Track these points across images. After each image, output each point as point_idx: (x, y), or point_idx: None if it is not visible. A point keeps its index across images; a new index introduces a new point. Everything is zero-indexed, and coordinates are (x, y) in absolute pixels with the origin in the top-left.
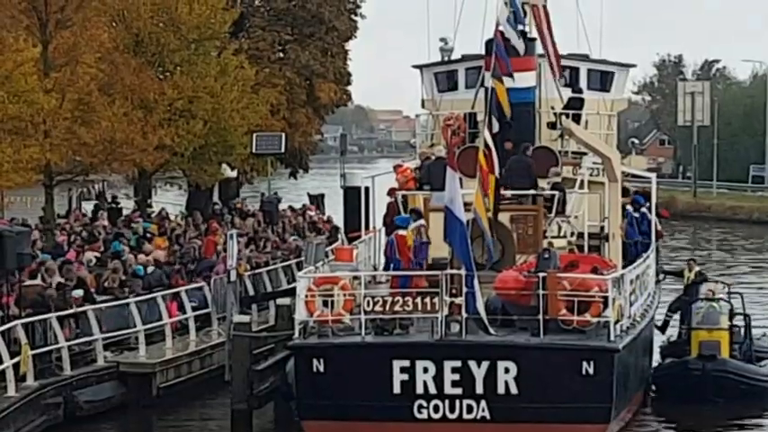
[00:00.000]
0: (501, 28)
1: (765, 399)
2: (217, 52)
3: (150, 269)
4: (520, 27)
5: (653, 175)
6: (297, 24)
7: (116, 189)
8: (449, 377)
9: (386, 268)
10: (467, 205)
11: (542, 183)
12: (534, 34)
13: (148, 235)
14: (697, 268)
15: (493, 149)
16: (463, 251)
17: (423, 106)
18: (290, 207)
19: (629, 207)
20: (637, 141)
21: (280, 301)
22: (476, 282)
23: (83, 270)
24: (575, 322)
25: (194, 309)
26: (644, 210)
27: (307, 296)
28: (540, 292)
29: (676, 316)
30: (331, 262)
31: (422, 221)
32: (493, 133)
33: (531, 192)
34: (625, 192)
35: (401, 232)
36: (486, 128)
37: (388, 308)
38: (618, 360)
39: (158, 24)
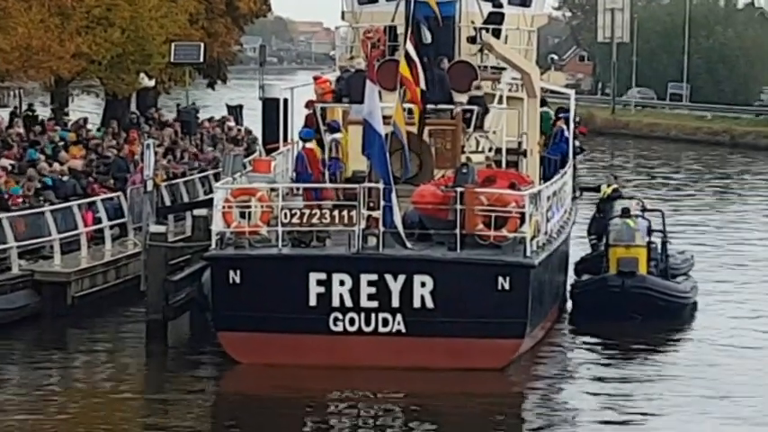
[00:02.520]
0: None
1: (682, 315)
2: None
3: (66, 178)
4: None
5: (572, 92)
6: None
7: (32, 97)
8: (365, 290)
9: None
10: (386, 118)
11: (461, 97)
12: None
13: (65, 143)
14: (615, 185)
15: (417, 62)
16: (381, 164)
17: (343, 18)
18: (210, 118)
19: (562, 125)
20: (556, 57)
21: (197, 211)
22: (393, 195)
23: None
24: (491, 237)
25: (110, 218)
26: (562, 126)
27: (224, 207)
28: (458, 206)
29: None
30: (249, 173)
31: (336, 135)
32: (426, 44)
33: (451, 106)
34: (559, 110)
35: (309, 145)
36: (410, 40)
37: (305, 220)
38: (533, 276)
39: None
